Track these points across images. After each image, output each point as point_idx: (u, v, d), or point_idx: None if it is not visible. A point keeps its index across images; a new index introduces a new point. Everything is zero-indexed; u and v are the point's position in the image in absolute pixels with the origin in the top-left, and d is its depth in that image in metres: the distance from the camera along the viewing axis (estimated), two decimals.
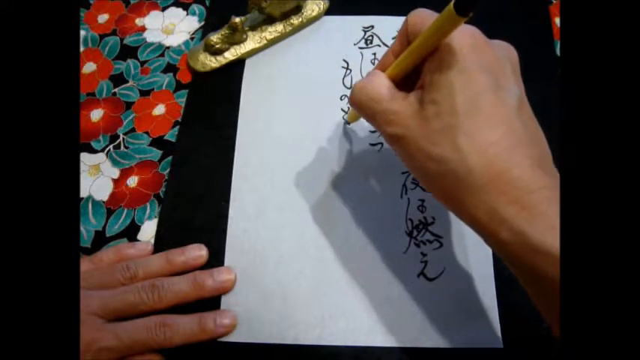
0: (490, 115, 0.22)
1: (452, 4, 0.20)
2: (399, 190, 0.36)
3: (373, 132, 0.38)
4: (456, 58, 0.22)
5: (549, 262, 0.19)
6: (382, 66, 0.28)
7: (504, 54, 0.24)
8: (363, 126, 0.39)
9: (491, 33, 0.24)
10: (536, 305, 0.22)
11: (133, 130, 0.40)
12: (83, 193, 0.37)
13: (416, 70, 0.25)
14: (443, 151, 0.22)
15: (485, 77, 0.22)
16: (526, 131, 0.22)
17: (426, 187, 0.25)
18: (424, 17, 0.25)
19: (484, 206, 0.21)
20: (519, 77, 0.24)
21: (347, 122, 0.38)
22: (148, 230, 0.35)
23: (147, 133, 0.39)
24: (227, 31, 0.40)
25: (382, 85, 0.26)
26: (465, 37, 0.23)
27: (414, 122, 0.24)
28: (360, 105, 0.27)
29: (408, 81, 0.26)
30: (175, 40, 0.44)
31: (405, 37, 0.26)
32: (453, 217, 0.35)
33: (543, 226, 0.20)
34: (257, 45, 0.42)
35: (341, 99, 0.40)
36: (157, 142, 0.39)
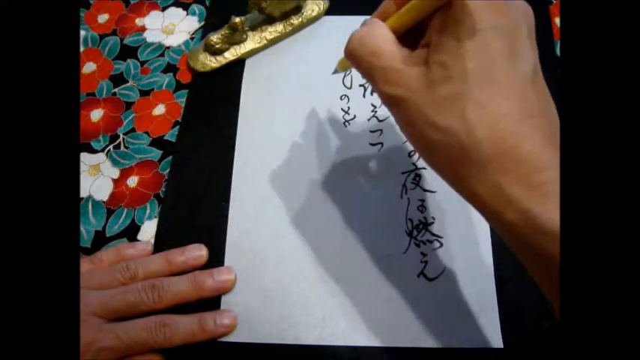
0: (503, 84, 0.20)
1: None
2: (399, 190, 0.36)
3: (373, 132, 0.38)
4: (470, 16, 0.20)
5: (557, 243, 0.18)
6: (382, 14, 0.25)
7: (521, 14, 0.22)
8: (363, 126, 0.39)
9: None
10: (542, 290, 0.21)
11: (133, 130, 0.40)
12: (83, 193, 0.37)
13: (421, 24, 0.23)
14: (448, 120, 0.21)
15: (500, 41, 0.20)
16: (539, 102, 0.21)
17: (425, 157, 0.23)
18: None
19: (489, 183, 0.20)
20: (534, 41, 0.22)
21: (336, 70, 0.34)
22: (148, 230, 0.35)
23: (147, 133, 0.39)
24: (227, 31, 0.40)
25: (383, 37, 0.23)
26: None
27: (417, 84, 0.21)
28: (356, 58, 0.24)
29: (409, 35, 0.24)
30: (175, 40, 0.44)
31: None
32: (453, 217, 0.35)
33: (552, 206, 0.19)
34: (257, 45, 0.42)
35: (341, 99, 0.40)
36: (157, 142, 0.39)
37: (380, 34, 0.23)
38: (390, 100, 0.23)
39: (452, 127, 0.20)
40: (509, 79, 0.20)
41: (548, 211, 0.19)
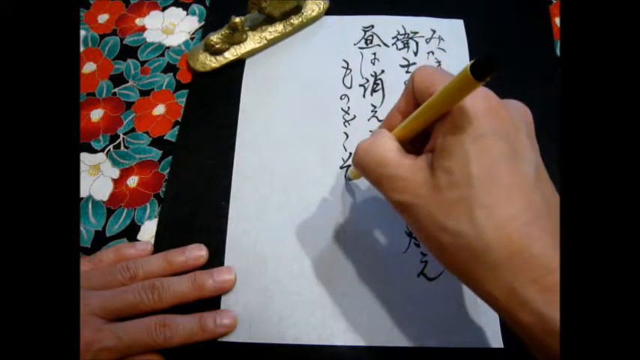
0: (508, 186, 0.21)
1: (468, 67, 0.19)
2: None
3: (373, 132, 0.38)
4: (471, 124, 0.21)
5: None
6: (388, 124, 0.27)
7: (519, 117, 0.23)
8: (363, 126, 0.39)
9: (491, 33, 0.24)
10: None
11: (133, 130, 0.40)
12: (83, 193, 0.37)
13: (425, 131, 0.24)
14: (458, 224, 0.21)
15: (502, 145, 0.21)
16: (544, 202, 0.21)
17: (438, 258, 0.23)
18: (431, 76, 0.23)
19: (502, 285, 0.20)
20: (535, 141, 0.23)
21: (348, 179, 0.36)
22: (148, 230, 0.35)
23: (147, 133, 0.39)
24: (227, 31, 0.41)
25: (389, 147, 0.24)
26: (479, 99, 0.22)
27: (424, 190, 0.22)
28: (364, 168, 0.25)
29: (415, 141, 0.25)
30: (175, 40, 0.44)
31: (412, 95, 0.25)
32: None
33: None
34: (257, 45, 0.42)
35: (341, 98, 0.40)
36: (157, 142, 0.39)
37: (384, 144, 0.24)
38: (399, 207, 0.24)
39: (462, 230, 0.21)
40: (514, 182, 0.21)
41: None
